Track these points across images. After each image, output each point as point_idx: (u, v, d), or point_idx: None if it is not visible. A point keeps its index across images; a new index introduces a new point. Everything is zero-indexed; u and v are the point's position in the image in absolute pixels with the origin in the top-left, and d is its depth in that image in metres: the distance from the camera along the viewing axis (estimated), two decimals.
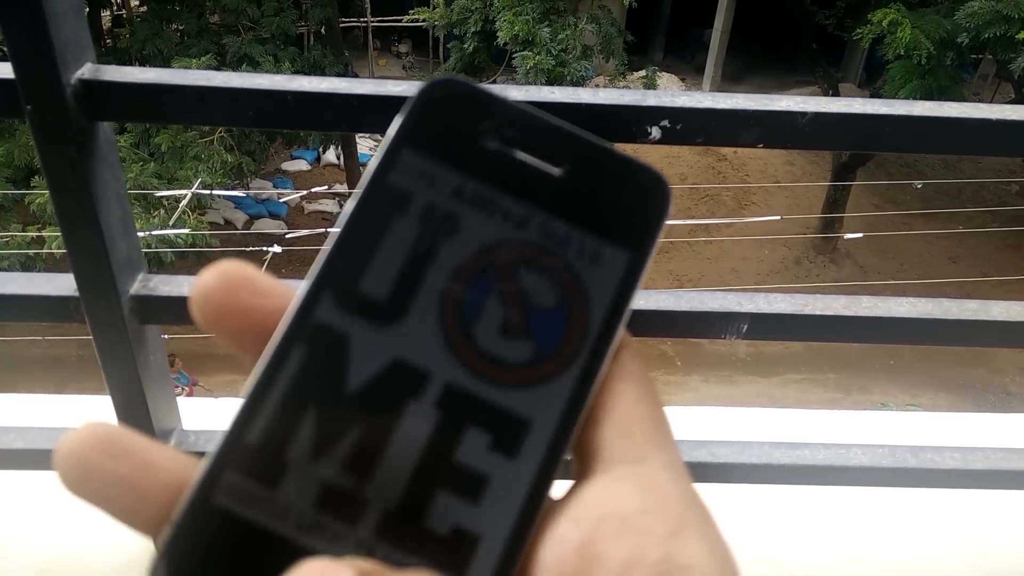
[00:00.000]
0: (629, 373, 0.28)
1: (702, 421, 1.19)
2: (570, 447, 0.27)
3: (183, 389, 7.23)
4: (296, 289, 0.27)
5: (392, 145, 0.28)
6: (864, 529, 1.03)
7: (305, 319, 0.26)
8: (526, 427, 0.26)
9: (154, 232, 7.53)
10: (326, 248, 0.27)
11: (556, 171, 0.29)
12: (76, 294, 0.64)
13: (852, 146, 0.60)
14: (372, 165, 0.28)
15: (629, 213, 0.29)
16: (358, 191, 0.28)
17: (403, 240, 0.27)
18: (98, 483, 0.24)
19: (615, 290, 0.28)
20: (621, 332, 0.28)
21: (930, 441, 0.83)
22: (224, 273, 0.27)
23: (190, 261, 8.66)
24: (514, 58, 9.18)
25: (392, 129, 0.28)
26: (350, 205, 0.28)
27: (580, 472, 0.27)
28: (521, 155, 0.29)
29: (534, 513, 0.25)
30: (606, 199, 0.29)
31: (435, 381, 0.26)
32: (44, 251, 7.41)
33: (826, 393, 8.81)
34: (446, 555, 0.25)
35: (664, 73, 13.69)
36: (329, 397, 0.26)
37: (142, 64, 9.59)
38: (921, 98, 8.38)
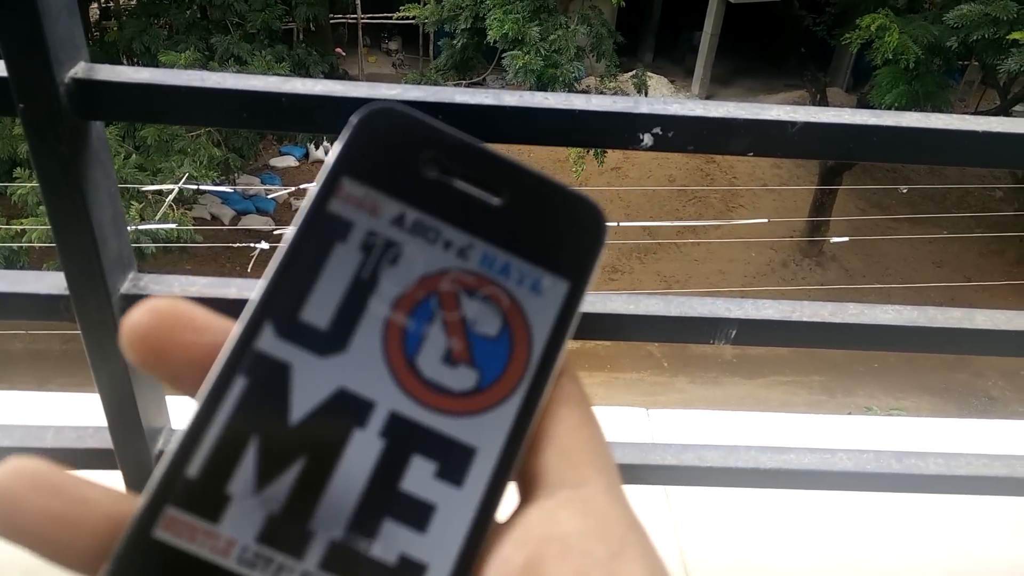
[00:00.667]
0: (569, 398, 0.29)
1: (689, 424, 1.19)
2: (514, 473, 0.27)
3: None
4: (235, 323, 0.27)
5: (332, 173, 0.28)
6: (848, 533, 1.04)
7: (246, 349, 0.26)
8: (471, 455, 0.27)
9: (140, 227, 7.47)
10: (266, 277, 0.27)
11: (496, 201, 0.29)
12: (66, 293, 0.64)
13: (841, 156, 0.60)
14: (312, 193, 0.28)
15: (567, 243, 0.29)
16: (298, 219, 0.28)
17: (344, 269, 0.27)
18: (27, 520, 0.24)
19: (555, 318, 0.29)
20: (562, 359, 0.29)
21: (914, 446, 0.84)
22: (157, 311, 0.27)
23: (175, 256, 8.61)
24: (503, 57, 9.17)
25: (331, 156, 0.29)
26: (290, 233, 0.28)
27: (523, 496, 0.28)
28: (461, 184, 0.29)
29: (480, 539, 0.26)
30: (545, 229, 0.29)
31: (379, 410, 0.27)
32: (26, 244, 7.35)
33: (811, 395, 8.86)
34: None
35: (654, 75, 13.72)
36: (272, 428, 0.26)
37: (129, 58, 9.53)
38: (907, 103, 8.45)
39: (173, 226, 7.78)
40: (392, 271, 0.28)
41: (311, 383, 0.26)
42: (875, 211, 11.94)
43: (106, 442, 0.74)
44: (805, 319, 0.68)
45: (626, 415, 1.23)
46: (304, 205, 0.28)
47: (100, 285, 0.62)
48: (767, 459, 0.80)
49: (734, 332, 0.68)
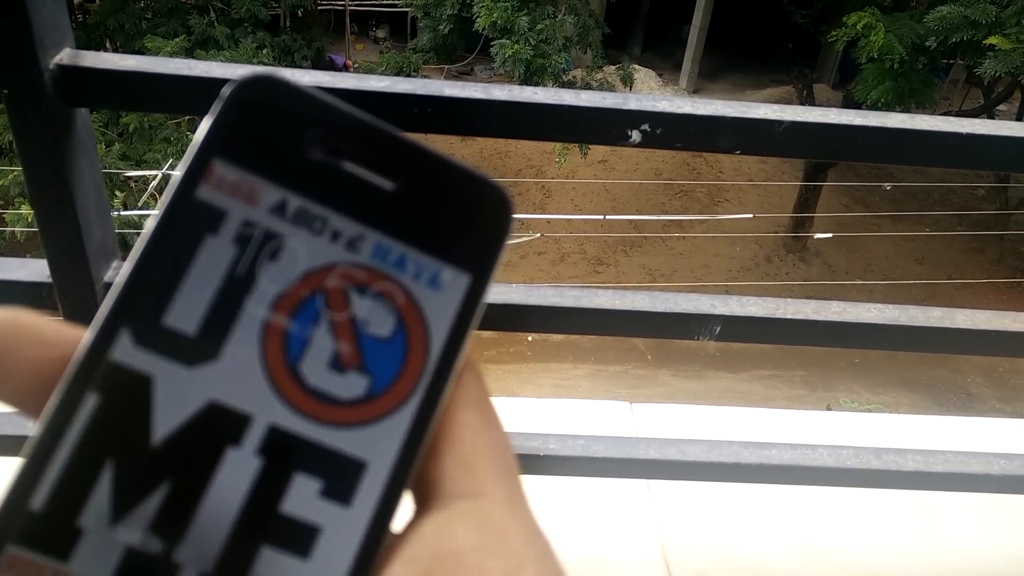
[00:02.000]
0: (471, 398, 0.27)
1: (672, 418, 1.20)
2: (408, 486, 0.25)
3: None
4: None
5: (201, 153, 0.25)
6: (827, 527, 1.06)
7: (99, 360, 0.23)
8: (360, 470, 0.24)
9: (121, 213, 7.41)
10: (122, 276, 0.24)
11: (390, 185, 0.26)
12: (49, 280, 0.63)
13: (827, 155, 0.61)
14: (177, 176, 0.25)
15: (469, 231, 0.27)
16: (161, 207, 0.24)
17: (216, 265, 0.24)
18: None
19: (456, 315, 0.26)
20: (462, 359, 0.26)
21: (894, 442, 0.85)
22: None
23: None
24: (492, 46, 9.14)
25: (199, 134, 0.25)
26: (151, 224, 0.24)
27: (418, 506, 0.26)
28: (351, 167, 0.26)
29: (370, 562, 0.24)
30: (445, 216, 0.26)
31: (257, 424, 0.24)
32: (7, 230, 7.27)
33: (792, 390, 8.94)
34: None
35: (641, 68, 13.73)
36: (130, 450, 0.23)
37: (112, 42, 9.41)
38: (892, 99, 8.51)
39: (155, 212, 7.72)
40: (272, 267, 0.25)
41: (177, 397, 0.23)
42: (859, 208, 12.03)
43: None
44: (789, 316, 0.68)
45: (610, 409, 1.24)
46: (168, 192, 0.24)
47: (83, 273, 0.62)
48: (749, 454, 0.81)
49: (719, 328, 0.68)
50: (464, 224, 0.27)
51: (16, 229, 6.93)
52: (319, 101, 0.26)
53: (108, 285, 0.64)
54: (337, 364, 0.25)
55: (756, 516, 1.06)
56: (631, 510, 1.09)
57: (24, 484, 0.22)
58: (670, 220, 11.15)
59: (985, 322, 0.71)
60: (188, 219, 0.24)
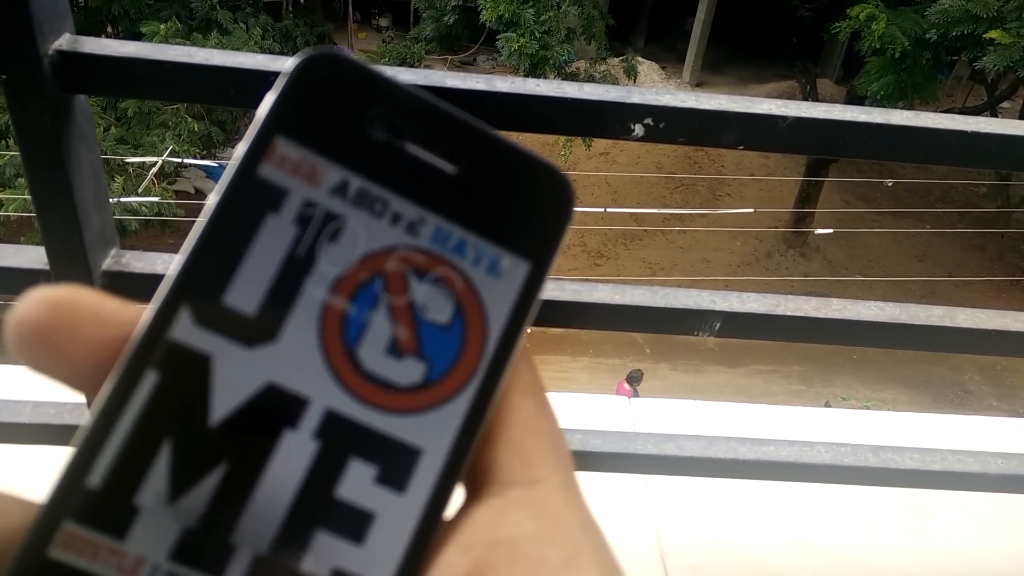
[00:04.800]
0: (525, 386, 0.26)
1: (670, 413, 1.20)
2: (463, 475, 0.25)
3: None
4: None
5: (263, 130, 0.24)
6: (824, 524, 1.06)
7: (159, 339, 0.23)
8: (415, 457, 0.24)
9: (120, 199, 7.39)
10: (183, 254, 0.23)
11: (452, 168, 0.26)
12: (47, 267, 0.63)
13: (830, 152, 0.60)
14: (239, 153, 0.24)
15: (531, 217, 0.26)
16: (222, 185, 0.24)
17: (276, 245, 0.24)
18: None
19: (514, 303, 0.25)
20: (520, 347, 0.26)
21: (892, 440, 0.85)
22: (51, 303, 0.23)
23: (156, 230, 8.52)
24: (497, 39, 9.11)
25: (262, 110, 0.24)
26: (212, 201, 0.24)
27: (470, 493, 0.25)
28: (413, 148, 0.25)
29: (423, 550, 0.23)
30: (506, 202, 0.26)
31: (314, 408, 0.24)
32: (2, 214, 7.25)
33: (790, 385, 8.95)
34: None
35: (645, 60, 13.68)
36: (189, 430, 0.23)
37: (113, 26, 9.38)
38: (894, 92, 8.51)
39: (155, 199, 7.71)
40: (332, 248, 0.24)
41: (235, 378, 0.23)
42: (860, 204, 12.02)
43: (85, 418, 0.73)
44: (789, 313, 0.68)
45: (608, 403, 1.24)
46: (230, 169, 0.24)
47: (81, 261, 0.62)
48: (746, 450, 0.81)
49: (718, 324, 0.68)
50: (525, 211, 0.26)
51: (10, 213, 6.93)
52: (383, 80, 0.26)
53: (106, 273, 0.64)
54: (395, 349, 0.25)
55: (753, 512, 1.06)
56: (628, 504, 1.09)
57: (82, 462, 0.22)
58: (671, 214, 11.14)
59: (986, 321, 0.70)
60: (249, 197, 0.24)
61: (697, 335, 0.69)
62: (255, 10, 9.61)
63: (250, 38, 8.86)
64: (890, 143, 0.60)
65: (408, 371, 0.24)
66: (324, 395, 0.24)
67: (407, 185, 0.25)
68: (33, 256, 0.64)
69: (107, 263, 0.64)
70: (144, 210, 7.69)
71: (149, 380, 0.22)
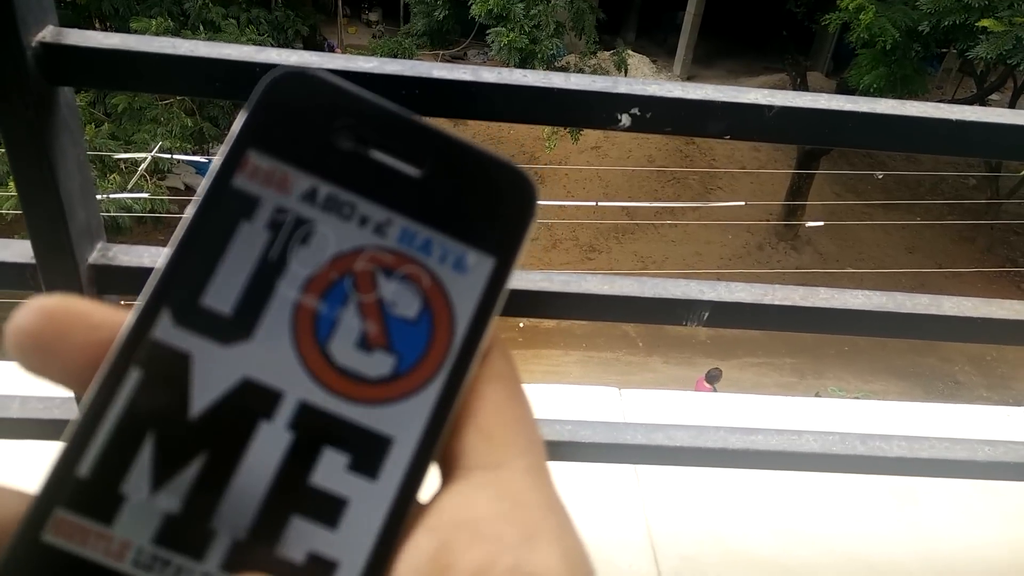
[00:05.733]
0: (496, 374, 0.27)
1: (660, 404, 1.21)
2: (433, 462, 0.26)
3: None
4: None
5: (236, 144, 0.26)
6: (813, 512, 1.06)
7: (141, 338, 0.24)
8: (387, 445, 0.25)
9: (112, 196, 7.35)
10: (164, 259, 0.25)
11: (416, 172, 0.27)
12: (32, 261, 0.62)
13: (817, 141, 0.61)
14: (215, 166, 0.26)
15: (494, 215, 0.27)
16: (199, 195, 0.26)
17: (250, 249, 0.25)
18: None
19: (480, 298, 0.27)
20: (487, 340, 0.27)
21: (879, 429, 0.86)
22: (45, 312, 0.25)
23: (147, 227, 8.48)
24: (487, 33, 9.09)
25: (236, 126, 0.26)
26: (190, 211, 0.26)
27: (443, 478, 0.26)
28: (378, 155, 0.27)
29: (395, 533, 0.24)
30: (469, 201, 0.27)
31: (288, 400, 0.25)
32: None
33: (782, 377, 8.99)
34: None
35: (635, 54, 13.68)
36: (170, 422, 0.24)
37: (101, 22, 9.31)
38: (884, 85, 8.54)
39: (145, 195, 7.66)
40: (303, 251, 0.26)
41: (213, 373, 0.25)
42: (851, 196, 12.06)
43: (72, 412, 0.73)
44: (777, 302, 0.68)
45: (598, 394, 1.24)
46: (206, 180, 0.26)
47: (67, 254, 0.61)
48: (736, 440, 0.81)
49: (707, 314, 0.68)
50: (489, 209, 0.27)
51: (7, 212, 6.89)
52: (347, 92, 0.27)
53: (92, 267, 0.64)
54: (365, 344, 0.26)
55: (743, 501, 1.06)
56: (618, 495, 1.09)
57: (72, 453, 0.23)
58: (662, 207, 11.16)
59: (972, 309, 0.71)
60: (224, 206, 0.26)
61: (686, 325, 0.69)
62: (248, 3, 9.56)
63: (243, 35, 8.81)
64: (876, 132, 0.60)
65: (378, 364, 0.26)
66: (297, 388, 0.25)
67: (373, 189, 0.26)
68: (19, 250, 0.64)
69: (93, 256, 0.64)
70: (136, 207, 7.65)
71: (133, 377, 0.24)
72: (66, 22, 0.55)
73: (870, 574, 1.01)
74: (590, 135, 10.79)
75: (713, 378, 7.51)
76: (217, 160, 0.26)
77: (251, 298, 0.25)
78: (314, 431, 0.25)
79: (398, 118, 0.27)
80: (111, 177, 7.62)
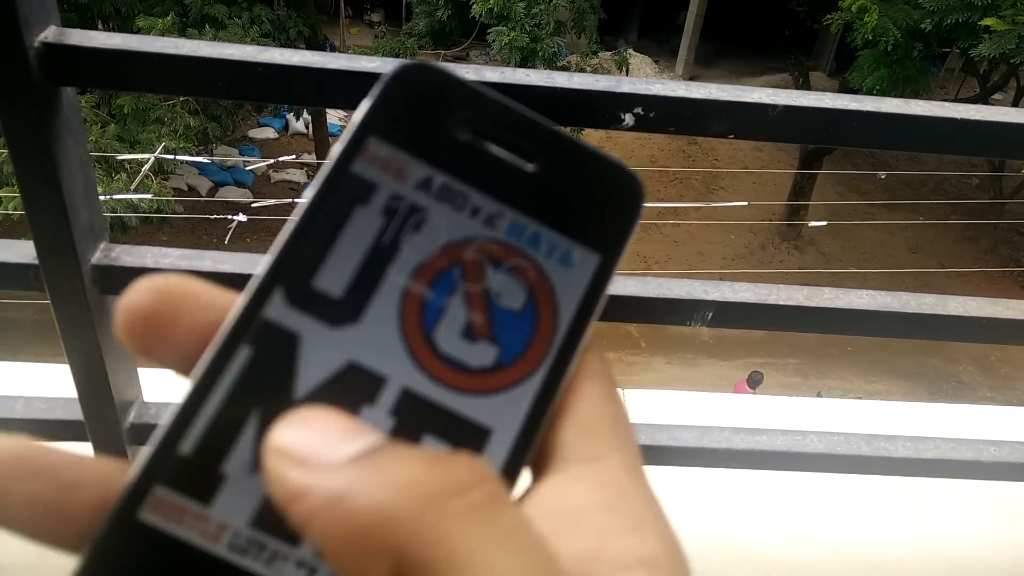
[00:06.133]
0: (593, 372, 0.28)
1: (664, 404, 1.20)
2: (531, 456, 0.26)
3: None
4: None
5: (358, 131, 0.26)
6: (818, 513, 1.06)
7: (252, 317, 0.24)
8: (485, 436, 0.25)
9: (115, 196, 7.36)
10: (280, 240, 0.25)
11: (529, 167, 0.27)
12: (36, 262, 0.62)
13: (821, 140, 0.60)
14: (335, 151, 0.26)
15: (601, 214, 0.28)
16: (318, 179, 0.26)
17: (364, 234, 0.26)
18: (12, 507, 0.22)
19: (584, 293, 0.27)
20: (588, 337, 0.27)
21: (885, 429, 0.85)
22: (158, 290, 0.24)
23: (153, 227, 8.49)
24: (488, 32, 9.09)
25: (358, 114, 0.27)
26: (309, 193, 0.26)
27: (537, 470, 0.26)
28: (494, 148, 0.27)
29: None
30: (579, 198, 0.28)
31: (391, 386, 0.25)
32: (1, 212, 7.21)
33: (785, 377, 8.97)
34: None
35: (638, 54, 13.68)
36: (275, 403, 0.24)
37: (104, 23, 9.32)
38: (887, 86, 8.52)
39: (149, 196, 7.67)
40: (414, 238, 0.26)
41: (320, 355, 0.25)
42: (854, 196, 12.04)
43: (76, 413, 0.73)
44: (781, 302, 0.68)
45: None
46: (326, 164, 0.26)
47: (70, 254, 0.61)
48: (740, 440, 0.81)
49: (711, 314, 0.68)
50: (596, 207, 0.28)
51: (11, 212, 6.90)
52: (467, 86, 0.28)
53: (96, 267, 0.64)
54: (469, 333, 0.26)
55: (747, 502, 1.06)
56: None
57: (175, 430, 0.23)
58: (665, 207, 11.15)
59: (977, 309, 0.70)
60: (342, 190, 0.26)
61: (690, 325, 0.69)
62: (250, 2, 9.55)
63: (247, 34, 8.81)
64: (880, 131, 0.60)
65: (481, 354, 0.26)
66: (401, 374, 0.25)
67: (486, 181, 0.27)
68: (22, 251, 0.64)
69: (96, 257, 0.64)
70: (142, 207, 7.65)
71: (242, 355, 0.24)
72: (70, 25, 0.55)
73: (875, 575, 1.00)
74: (592, 135, 10.78)
75: (756, 382, 7.34)
76: (338, 145, 0.26)
77: (362, 282, 0.25)
78: (415, 418, 0.25)
79: (515, 113, 0.28)
80: (117, 177, 7.62)
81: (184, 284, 0.25)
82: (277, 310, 0.25)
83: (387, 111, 0.27)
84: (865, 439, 0.83)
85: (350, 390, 0.25)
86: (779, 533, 1.03)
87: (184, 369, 0.25)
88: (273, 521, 0.23)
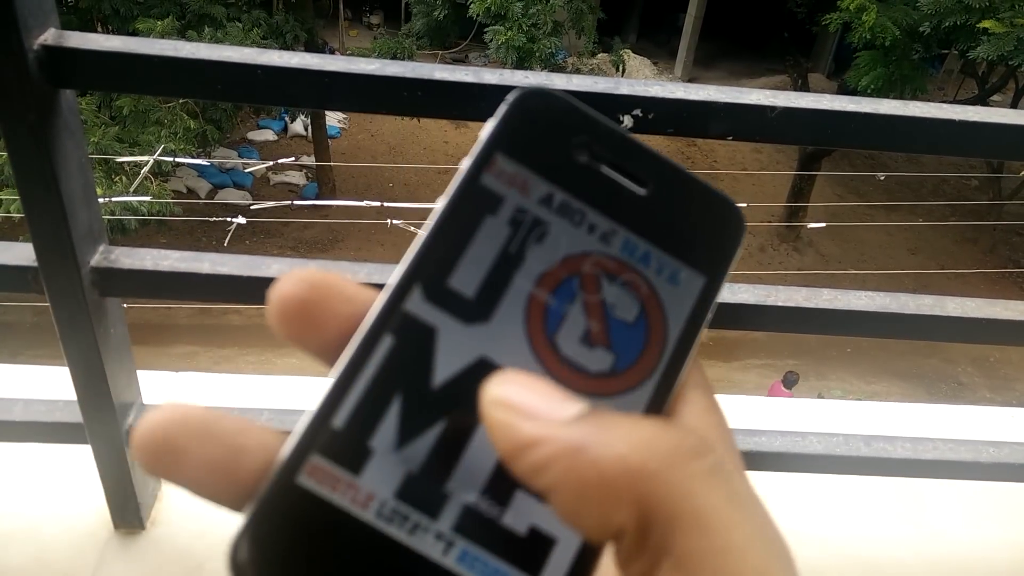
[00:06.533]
0: (699, 383, 0.30)
1: None
2: None
3: None
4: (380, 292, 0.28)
5: (486, 147, 0.29)
6: (817, 514, 1.06)
7: (395, 309, 0.27)
8: None
9: (115, 199, 7.35)
10: (417, 241, 0.28)
11: (641, 191, 0.30)
12: (35, 264, 0.62)
13: (819, 141, 0.61)
14: (465, 165, 0.29)
15: (707, 239, 0.30)
16: (451, 189, 0.28)
17: (493, 241, 0.28)
18: (188, 468, 0.24)
19: (691, 311, 0.29)
20: (695, 349, 0.29)
21: (883, 430, 0.85)
22: (310, 281, 0.27)
23: (151, 229, 8.48)
24: (485, 32, 9.09)
25: (485, 131, 0.29)
26: (441, 202, 0.28)
27: None
28: (608, 171, 0.29)
29: None
30: (686, 223, 0.30)
31: None
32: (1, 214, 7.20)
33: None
34: (523, 554, 0.25)
35: (637, 56, 13.69)
36: (415, 388, 0.26)
37: (104, 26, 9.31)
38: (884, 85, 8.52)
39: (148, 198, 7.66)
40: (538, 248, 0.28)
41: (455, 349, 0.27)
42: (852, 197, 12.04)
43: (76, 416, 0.73)
44: (780, 304, 0.68)
45: None
46: (457, 176, 0.28)
47: (70, 257, 0.61)
48: (739, 441, 0.81)
49: (710, 315, 0.68)
50: (702, 232, 0.30)
51: (12, 214, 6.88)
52: (586, 114, 0.30)
53: (95, 269, 0.64)
54: (588, 339, 0.28)
55: None
56: None
57: (328, 405, 0.25)
58: None
59: (975, 310, 0.71)
60: (473, 200, 0.28)
61: None
62: (248, 6, 9.54)
63: (247, 37, 8.80)
64: (878, 132, 0.60)
65: (599, 360, 0.28)
66: (527, 371, 0.27)
67: (602, 202, 0.29)
68: (21, 253, 0.64)
69: (96, 259, 0.64)
70: (143, 209, 7.64)
71: (385, 343, 0.26)
72: (69, 27, 0.55)
73: (874, 575, 1.01)
74: None
75: (792, 382, 7.18)
76: (467, 160, 0.29)
77: (491, 285, 0.28)
78: None
79: (630, 142, 0.30)
80: (117, 179, 7.61)
81: (331, 277, 0.27)
82: (416, 305, 0.27)
83: (512, 131, 0.29)
84: (864, 440, 0.83)
85: (481, 383, 0.26)
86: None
87: (325, 355, 0.27)
88: (415, 495, 0.25)
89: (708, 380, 0.30)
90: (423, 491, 0.25)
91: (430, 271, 0.27)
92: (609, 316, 0.28)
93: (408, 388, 0.26)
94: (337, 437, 0.25)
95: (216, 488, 0.25)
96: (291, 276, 0.27)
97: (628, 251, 0.29)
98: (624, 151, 0.30)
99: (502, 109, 0.29)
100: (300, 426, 0.25)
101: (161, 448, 0.24)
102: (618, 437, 0.23)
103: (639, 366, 0.28)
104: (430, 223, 0.28)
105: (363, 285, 0.28)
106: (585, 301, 0.28)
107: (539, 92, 0.30)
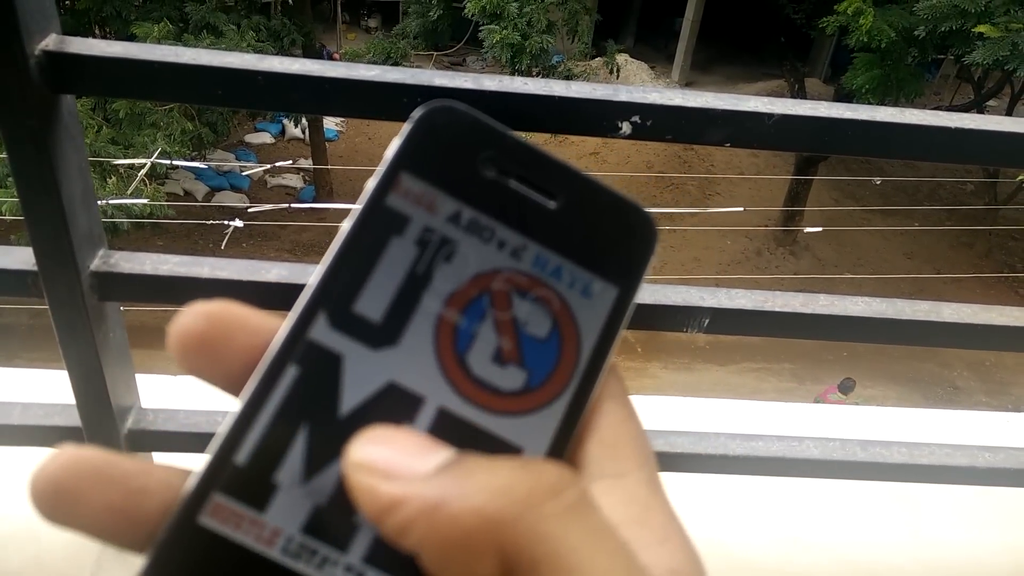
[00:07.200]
0: (614, 393, 0.29)
1: (660, 410, 1.21)
2: None
3: None
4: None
5: (391, 167, 0.28)
6: (813, 519, 1.06)
7: (298, 338, 0.26)
8: (516, 455, 0.27)
9: (111, 201, 7.34)
10: (321, 266, 0.27)
11: (551, 204, 0.29)
12: (34, 268, 0.62)
13: (817, 148, 0.61)
14: (370, 186, 0.28)
15: (618, 249, 0.30)
16: (355, 211, 0.28)
17: (399, 263, 0.27)
18: (85, 514, 0.24)
19: (604, 323, 0.29)
20: (610, 361, 0.29)
21: (880, 435, 0.86)
22: (209, 315, 0.26)
23: (147, 232, 8.48)
24: (480, 31, 9.09)
25: (390, 151, 0.29)
26: (346, 224, 0.28)
27: None
28: (517, 186, 0.29)
29: None
30: (597, 234, 0.29)
31: (428, 406, 0.26)
32: None
33: (781, 383, 8.98)
34: None
35: (634, 60, 13.71)
36: (321, 418, 0.25)
37: (101, 28, 9.31)
38: (879, 86, 8.55)
39: (144, 201, 7.65)
40: (446, 268, 0.28)
41: (362, 375, 0.26)
42: (849, 202, 12.07)
43: (74, 420, 0.73)
44: (777, 309, 0.69)
45: None
46: (362, 198, 0.28)
47: (69, 261, 0.61)
48: (736, 446, 0.81)
49: (707, 320, 0.68)
50: (614, 243, 0.30)
51: (6, 217, 6.87)
52: (491, 128, 0.30)
53: (95, 273, 0.64)
54: (499, 358, 0.28)
55: (743, 508, 1.06)
56: None
57: (231, 441, 0.25)
58: (661, 213, 11.16)
59: (971, 316, 0.71)
60: (378, 222, 0.28)
61: (687, 331, 0.69)
62: (248, 11, 9.55)
63: (243, 40, 8.80)
64: (875, 139, 0.60)
65: (511, 377, 0.28)
66: (438, 395, 0.27)
67: (511, 217, 0.29)
68: (20, 257, 0.64)
69: (95, 264, 0.64)
70: (137, 211, 7.63)
71: (289, 374, 0.26)
72: (68, 30, 0.55)
73: None
74: (588, 140, 10.80)
75: (848, 388, 6.96)
76: (373, 180, 0.28)
77: (398, 308, 0.27)
78: (451, 437, 0.26)
79: (538, 154, 0.30)
80: (110, 181, 7.60)
81: (232, 309, 0.27)
82: (321, 332, 0.26)
83: (416, 149, 0.29)
84: (861, 445, 0.83)
85: (391, 409, 0.26)
86: (774, 539, 1.04)
87: (233, 388, 0.27)
88: (323, 528, 0.24)
89: (626, 389, 0.30)
90: (331, 524, 0.25)
91: (334, 297, 0.27)
92: (521, 333, 0.28)
93: (314, 419, 0.25)
94: (240, 473, 0.24)
95: (117, 532, 0.24)
96: (191, 310, 0.26)
97: (539, 266, 0.28)
98: (532, 164, 0.29)
99: (407, 127, 0.29)
100: (201, 464, 0.24)
101: (56, 495, 0.23)
102: (476, 487, 0.22)
103: (553, 382, 0.28)
104: (334, 248, 0.27)
105: (271, 315, 0.27)
106: (496, 319, 0.28)
107: (444, 108, 0.29)
